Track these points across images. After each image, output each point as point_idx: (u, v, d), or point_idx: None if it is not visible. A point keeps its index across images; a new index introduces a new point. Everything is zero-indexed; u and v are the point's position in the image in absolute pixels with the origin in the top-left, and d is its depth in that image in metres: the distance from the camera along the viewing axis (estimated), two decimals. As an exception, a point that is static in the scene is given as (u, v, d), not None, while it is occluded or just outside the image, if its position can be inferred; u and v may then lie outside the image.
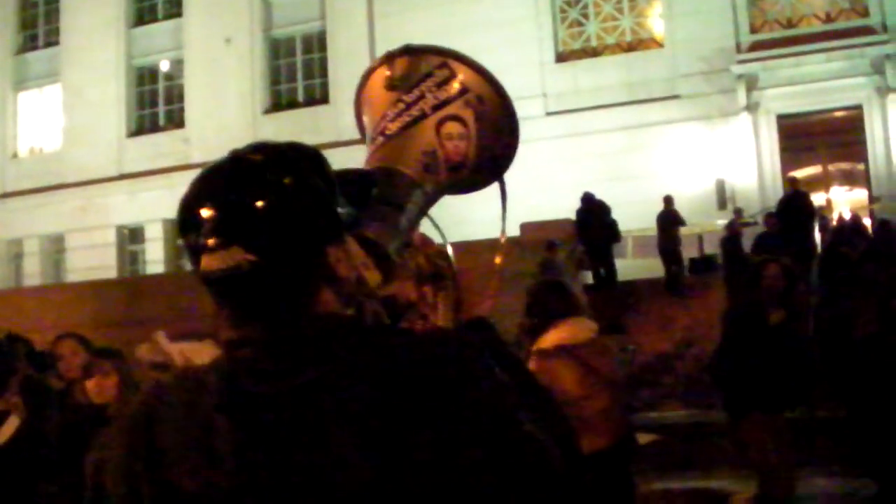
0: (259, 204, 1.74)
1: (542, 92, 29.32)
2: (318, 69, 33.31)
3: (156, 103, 35.99)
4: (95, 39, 35.49)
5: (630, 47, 29.84)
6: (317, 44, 33.39)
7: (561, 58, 30.16)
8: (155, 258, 34.23)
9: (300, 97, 33.56)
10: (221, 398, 1.76)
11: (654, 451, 7.02)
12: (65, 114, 36.58)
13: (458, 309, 2.32)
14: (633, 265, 23.02)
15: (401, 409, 1.68)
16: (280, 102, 33.67)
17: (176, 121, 35.02)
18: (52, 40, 37.52)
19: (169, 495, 1.76)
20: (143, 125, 35.96)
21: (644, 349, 18.10)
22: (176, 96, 35.46)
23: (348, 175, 2.05)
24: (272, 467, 1.69)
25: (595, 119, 28.23)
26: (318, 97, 32.98)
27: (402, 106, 2.42)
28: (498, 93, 2.50)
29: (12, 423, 5.11)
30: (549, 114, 29.09)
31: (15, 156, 37.82)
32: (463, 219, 23.50)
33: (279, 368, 1.75)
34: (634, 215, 23.06)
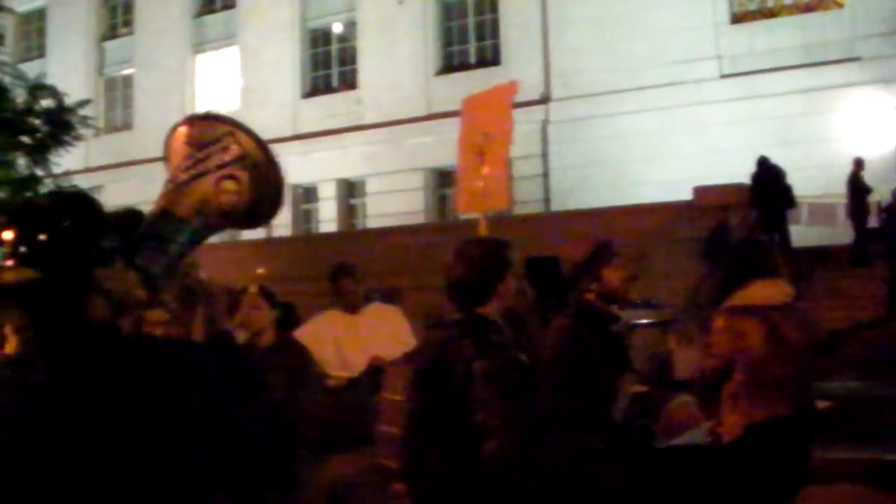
0: (44, 236, 2.37)
1: (716, 54, 28.73)
2: (489, 31, 33.24)
3: (329, 65, 36.48)
4: (271, 2, 36.17)
5: (807, 8, 28.88)
6: (489, 5, 33.24)
7: (736, 19, 29.40)
8: (327, 217, 34.89)
9: (472, 59, 33.54)
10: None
11: (830, 420, 6.80)
12: (241, 75, 37.43)
13: (212, 324, 3.12)
14: (808, 232, 22.44)
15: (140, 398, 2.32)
16: (452, 64, 33.68)
17: (349, 82, 35.42)
18: (229, 3, 38.32)
19: None
20: (317, 86, 36.51)
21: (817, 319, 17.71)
22: (349, 58, 35.84)
23: (123, 214, 2.90)
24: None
25: (771, 81, 27.49)
26: (490, 59, 32.93)
27: (193, 160, 3.08)
28: (270, 161, 3.15)
29: None
30: (723, 76, 28.52)
31: (194, 116, 38.78)
32: (637, 181, 23.32)
33: (47, 359, 2.36)
34: (810, 181, 22.48)
